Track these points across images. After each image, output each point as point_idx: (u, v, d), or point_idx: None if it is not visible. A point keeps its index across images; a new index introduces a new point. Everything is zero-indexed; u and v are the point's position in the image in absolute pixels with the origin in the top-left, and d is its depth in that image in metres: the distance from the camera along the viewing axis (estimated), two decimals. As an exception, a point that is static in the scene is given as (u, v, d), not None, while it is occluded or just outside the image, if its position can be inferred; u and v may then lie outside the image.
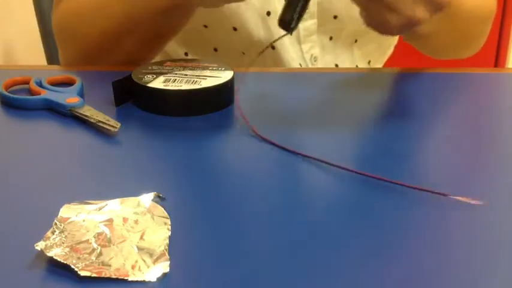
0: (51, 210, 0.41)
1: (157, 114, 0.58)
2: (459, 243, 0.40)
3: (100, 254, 0.38)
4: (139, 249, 0.38)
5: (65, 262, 0.37)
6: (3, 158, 0.51)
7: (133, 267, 0.37)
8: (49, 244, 0.38)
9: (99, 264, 0.37)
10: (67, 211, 0.41)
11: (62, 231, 0.39)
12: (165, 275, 0.37)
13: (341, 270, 0.37)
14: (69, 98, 0.58)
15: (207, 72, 0.61)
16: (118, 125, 0.54)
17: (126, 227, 0.40)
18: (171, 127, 0.55)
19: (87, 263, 0.37)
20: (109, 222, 0.40)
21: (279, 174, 0.48)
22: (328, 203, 0.45)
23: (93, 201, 0.42)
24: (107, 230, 0.39)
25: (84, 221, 0.40)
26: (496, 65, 1.84)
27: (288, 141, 0.53)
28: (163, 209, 0.42)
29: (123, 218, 0.41)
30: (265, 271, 0.37)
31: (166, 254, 0.38)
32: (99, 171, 0.48)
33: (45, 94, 0.59)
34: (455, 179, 0.49)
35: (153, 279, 0.36)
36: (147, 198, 0.43)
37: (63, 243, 0.38)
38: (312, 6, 0.75)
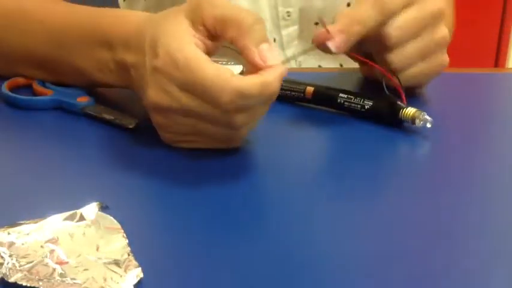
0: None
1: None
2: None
3: (63, 272, 0.36)
4: (101, 260, 0.37)
5: (32, 285, 0.35)
6: (13, 159, 0.51)
7: (105, 279, 0.35)
8: (4, 271, 0.35)
9: (68, 283, 0.35)
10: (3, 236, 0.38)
11: (10, 256, 0.37)
12: (140, 280, 0.35)
13: None
14: (78, 97, 0.57)
15: None
16: (134, 121, 0.53)
17: (75, 242, 0.38)
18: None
19: (54, 282, 0.35)
20: (54, 239, 0.38)
21: (279, 174, 0.49)
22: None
23: (26, 222, 0.39)
24: (56, 248, 0.37)
25: (23, 244, 0.38)
26: (496, 65, 1.84)
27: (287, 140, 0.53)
28: (111, 217, 0.40)
29: (69, 234, 0.39)
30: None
31: (134, 260, 0.36)
32: (117, 169, 0.48)
33: (54, 94, 0.59)
34: (455, 179, 0.49)
35: (130, 287, 0.35)
36: (90, 210, 0.41)
37: (18, 267, 0.36)
38: (294, 12, 0.75)
